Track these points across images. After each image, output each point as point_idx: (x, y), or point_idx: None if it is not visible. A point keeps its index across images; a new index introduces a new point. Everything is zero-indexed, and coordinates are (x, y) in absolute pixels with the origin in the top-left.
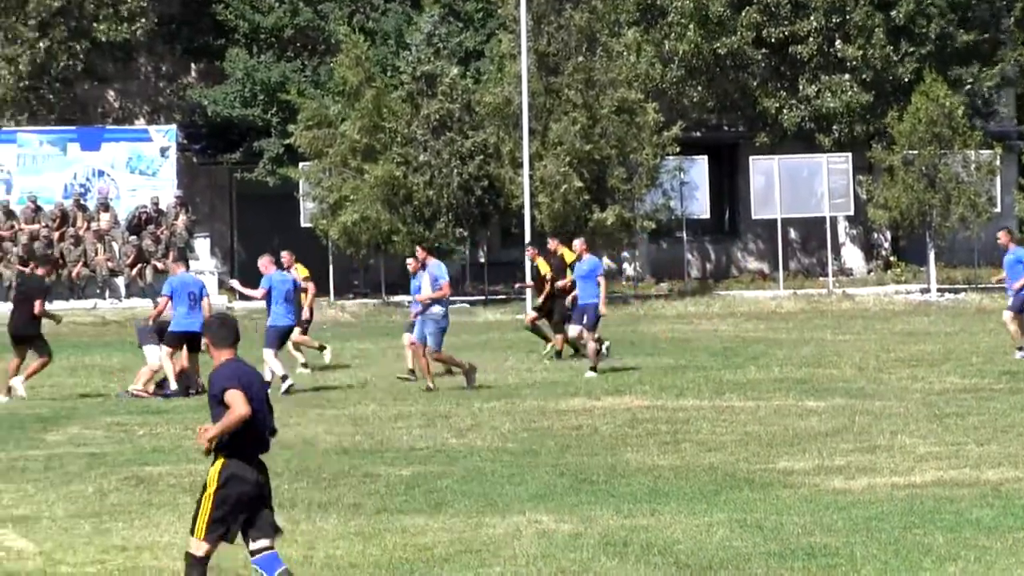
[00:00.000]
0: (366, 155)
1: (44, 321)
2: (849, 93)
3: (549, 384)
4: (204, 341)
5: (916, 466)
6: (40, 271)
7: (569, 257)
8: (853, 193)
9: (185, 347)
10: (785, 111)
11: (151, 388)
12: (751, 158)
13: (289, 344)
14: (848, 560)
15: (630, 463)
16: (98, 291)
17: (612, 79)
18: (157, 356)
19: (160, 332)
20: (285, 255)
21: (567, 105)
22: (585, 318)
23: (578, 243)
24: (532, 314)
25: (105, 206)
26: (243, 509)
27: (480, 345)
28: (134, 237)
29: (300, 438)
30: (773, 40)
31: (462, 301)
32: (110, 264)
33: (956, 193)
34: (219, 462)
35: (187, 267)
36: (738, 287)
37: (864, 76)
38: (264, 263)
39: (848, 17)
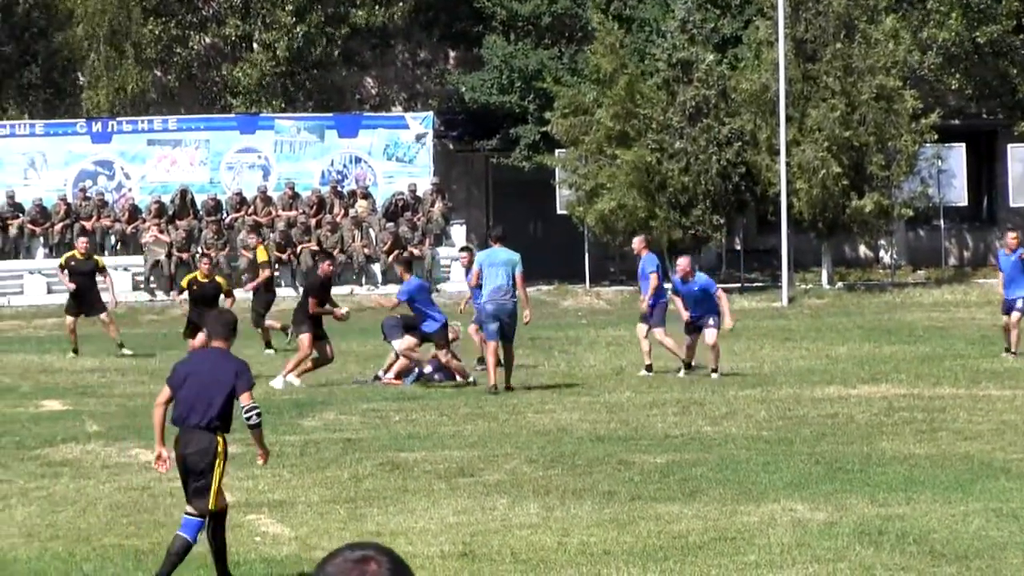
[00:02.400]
0: (620, 142)
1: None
2: None
3: (804, 372)
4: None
5: None
6: (321, 267)
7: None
8: None
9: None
10: None
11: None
12: (1009, 146)
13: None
14: None
15: (885, 452)
16: (354, 277)
17: (870, 66)
18: (404, 346)
19: (406, 327)
20: (253, 238)
21: (825, 92)
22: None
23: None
24: None
25: (363, 193)
26: None
27: (735, 332)
28: (391, 224)
29: (555, 425)
30: None
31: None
32: (366, 251)
33: None
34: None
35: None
36: (996, 275)
37: None
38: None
39: None
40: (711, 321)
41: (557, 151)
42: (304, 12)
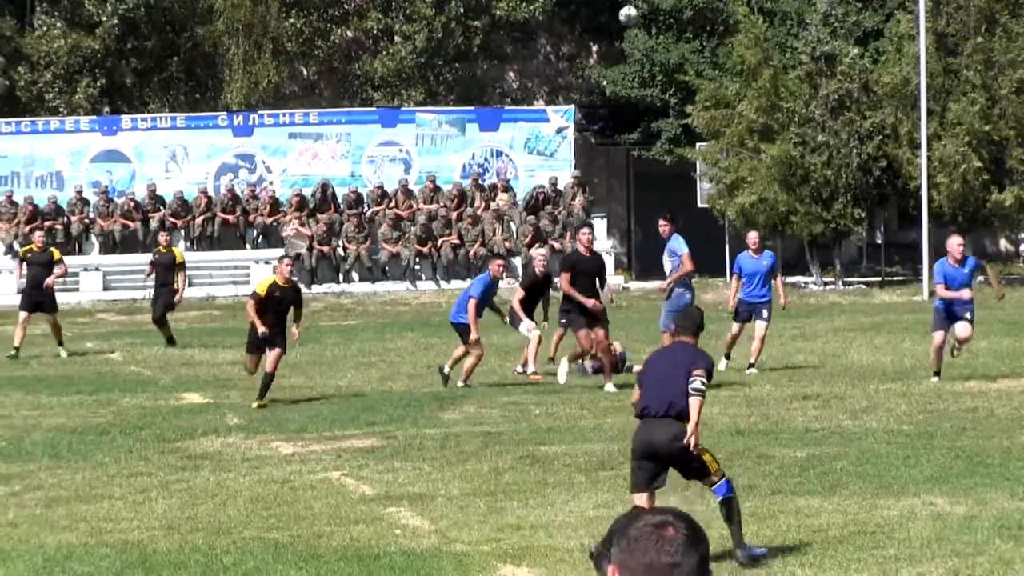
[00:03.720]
0: (763, 135)
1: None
2: None
3: (945, 366)
4: None
5: None
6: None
7: None
8: None
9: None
10: None
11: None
12: None
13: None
14: None
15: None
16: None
17: (1011, 59)
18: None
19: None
20: (162, 236)
21: (966, 86)
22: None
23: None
24: None
25: (504, 186)
26: None
27: (875, 326)
28: (532, 217)
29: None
30: None
31: (859, 282)
32: (507, 244)
33: None
34: None
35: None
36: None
37: None
38: None
39: None
40: (764, 313)
41: (698, 144)
42: (443, 3)
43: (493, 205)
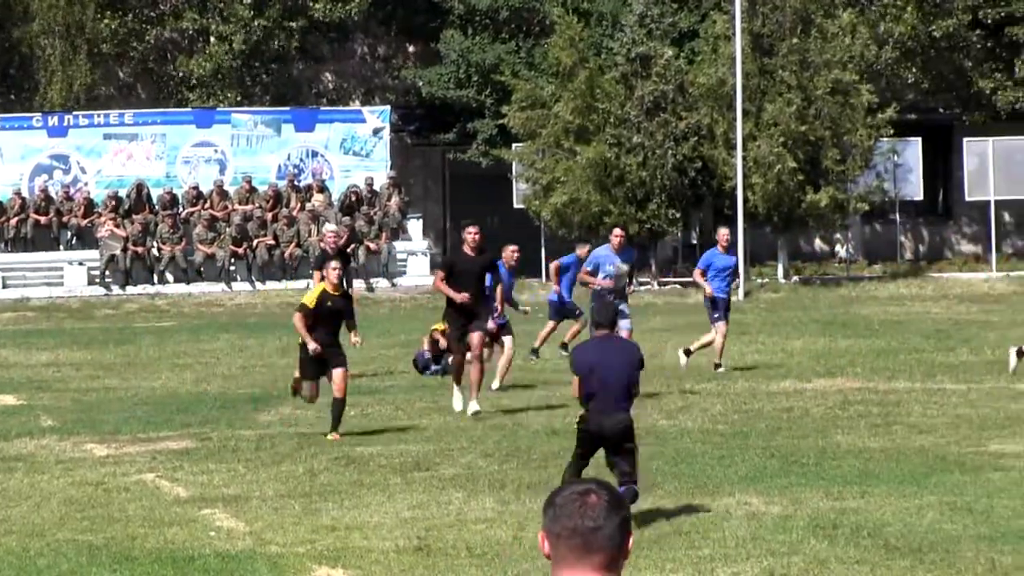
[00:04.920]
0: (579, 136)
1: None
2: None
3: (760, 366)
4: None
5: None
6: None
7: None
8: None
9: None
10: (1000, 92)
11: None
12: (965, 140)
13: None
14: None
15: (840, 445)
16: (310, 272)
17: (826, 60)
18: None
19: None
20: None
21: (781, 86)
22: None
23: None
24: None
25: (319, 187)
26: None
27: (691, 326)
28: (347, 218)
29: (511, 419)
30: (989, 22)
31: (674, 282)
32: (322, 245)
33: None
34: None
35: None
36: (951, 269)
37: None
38: None
39: None
40: (727, 313)
41: (514, 145)
42: (262, 6)
43: (308, 206)
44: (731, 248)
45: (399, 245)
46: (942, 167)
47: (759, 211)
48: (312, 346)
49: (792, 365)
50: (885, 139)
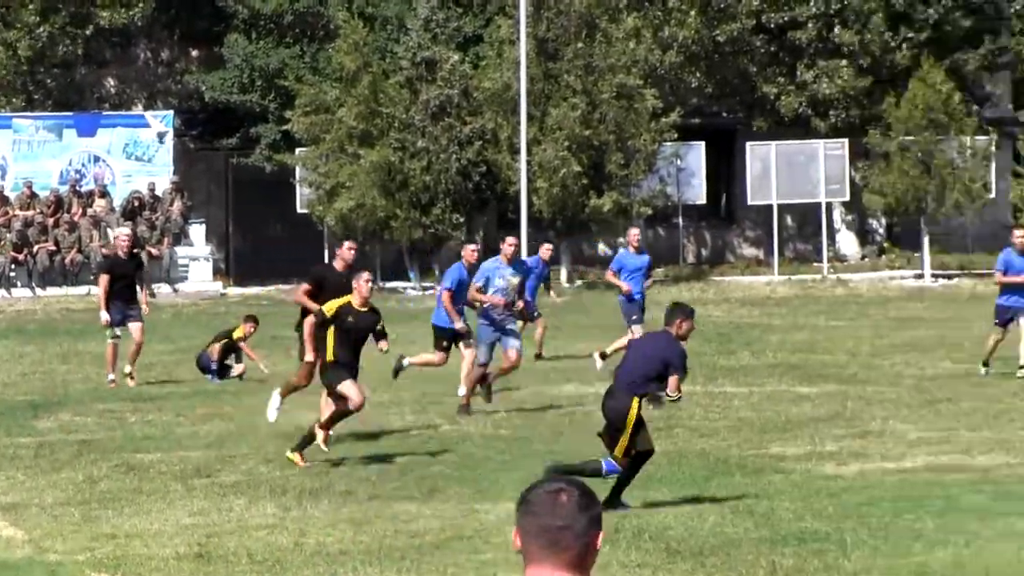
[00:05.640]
0: (363, 141)
1: None
2: (846, 79)
3: (544, 370)
4: None
5: (907, 451)
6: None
7: None
8: (849, 179)
9: None
10: (783, 97)
11: None
12: (748, 144)
13: None
14: (838, 545)
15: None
16: (92, 277)
17: (611, 65)
18: None
19: None
20: None
21: (566, 91)
22: None
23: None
24: None
25: (101, 192)
26: None
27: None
28: (129, 223)
29: (292, 425)
30: (773, 26)
31: None
32: (105, 250)
33: (951, 179)
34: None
35: None
36: (733, 273)
37: (861, 62)
38: None
39: (847, 3)
40: (642, 315)
41: (298, 150)
42: (48, 12)
43: (90, 211)
44: (642, 248)
45: (181, 250)
46: (725, 171)
47: (543, 215)
48: (311, 357)
49: (575, 369)
50: (669, 143)
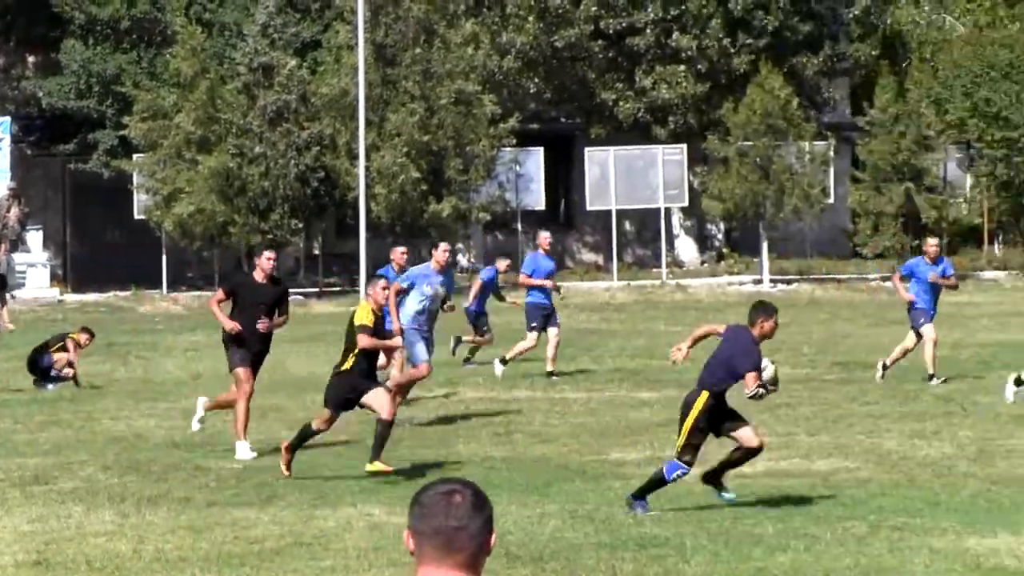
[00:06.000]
0: (201, 146)
1: None
2: (685, 84)
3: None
4: None
5: None
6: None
7: None
8: (687, 184)
9: None
10: (621, 103)
11: None
12: (587, 149)
13: None
14: (678, 550)
15: (462, 454)
16: None
17: (449, 70)
18: None
19: None
20: None
21: (404, 96)
22: None
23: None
24: None
25: None
26: None
27: (313, 337)
28: None
29: (131, 431)
30: (611, 32)
31: (296, 293)
32: None
33: (789, 184)
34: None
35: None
36: (573, 278)
37: (700, 68)
38: None
39: (685, 9)
40: (557, 318)
41: (135, 156)
42: None
43: None
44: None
45: (19, 257)
46: (564, 177)
47: (382, 221)
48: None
49: (444, 378)
50: (507, 149)
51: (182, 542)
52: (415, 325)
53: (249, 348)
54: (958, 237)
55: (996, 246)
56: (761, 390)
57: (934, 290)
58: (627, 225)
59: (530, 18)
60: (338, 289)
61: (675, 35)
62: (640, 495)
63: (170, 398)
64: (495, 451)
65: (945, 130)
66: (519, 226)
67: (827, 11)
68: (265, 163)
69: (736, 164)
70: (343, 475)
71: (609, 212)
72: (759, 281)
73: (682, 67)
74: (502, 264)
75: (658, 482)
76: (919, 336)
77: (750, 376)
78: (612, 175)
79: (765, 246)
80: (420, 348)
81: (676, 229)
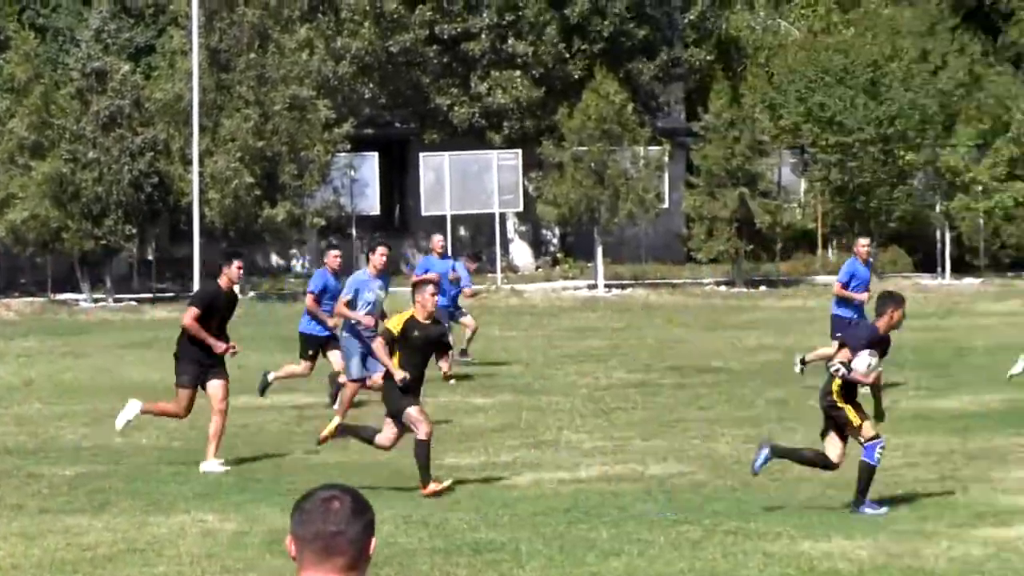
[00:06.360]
0: (34, 152)
1: None
2: (520, 90)
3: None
4: None
5: (582, 461)
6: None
7: None
8: (523, 190)
9: None
10: (456, 108)
11: None
12: (422, 155)
13: None
14: (513, 555)
15: (297, 461)
16: None
17: (284, 76)
18: None
19: None
20: None
21: (239, 101)
22: None
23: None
24: None
25: None
26: None
27: (147, 342)
28: None
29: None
30: (446, 37)
31: (130, 298)
32: None
33: (624, 189)
34: None
35: None
36: (407, 284)
37: (535, 73)
38: None
39: (521, 15)
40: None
41: None
42: None
43: None
44: (445, 254)
45: None
46: (399, 182)
47: (216, 226)
48: (399, 375)
49: (249, 381)
50: (342, 154)
51: (14, 549)
52: (353, 334)
53: (202, 362)
54: (791, 242)
55: (830, 251)
56: (842, 369)
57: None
58: (462, 230)
59: (365, 23)
60: (172, 295)
61: (511, 40)
62: (862, 497)
63: (3, 404)
64: (330, 457)
65: (779, 135)
66: (354, 231)
67: (663, 16)
68: (99, 168)
69: (571, 169)
70: (176, 481)
71: (444, 217)
72: (594, 286)
73: (518, 72)
74: (467, 262)
75: (869, 472)
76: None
77: (845, 351)
78: (447, 180)
79: (600, 251)
80: (355, 363)
81: (511, 234)
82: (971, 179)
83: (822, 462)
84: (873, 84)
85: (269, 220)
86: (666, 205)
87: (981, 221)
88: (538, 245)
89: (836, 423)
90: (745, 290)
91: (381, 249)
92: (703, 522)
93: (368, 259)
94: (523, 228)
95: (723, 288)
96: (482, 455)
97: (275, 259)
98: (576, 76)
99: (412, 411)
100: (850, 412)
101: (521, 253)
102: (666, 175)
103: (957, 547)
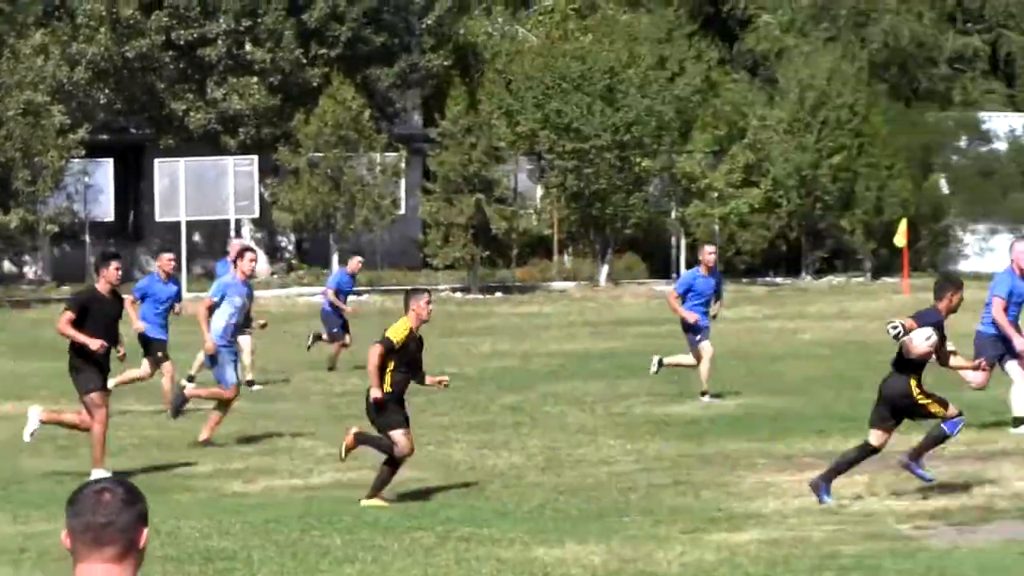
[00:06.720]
0: None
1: None
2: (257, 96)
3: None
4: None
5: (315, 468)
6: None
7: None
8: (258, 196)
9: None
10: (192, 113)
11: None
12: (156, 160)
13: None
14: (245, 563)
15: (28, 469)
16: None
17: (18, 81)
18: None
19: None
20: None
21: None
22: None
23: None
24: None
25: None
26: None
27: None
28: None
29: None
30: (182, 43)
31: None
32: None
33: (360, 195)
34: None
35: None
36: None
37: (272, 79)
38: None
39: (259, 21)
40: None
41: None
42: None
43: None
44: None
45: None
46: (134, 187)
47: None
48: (376, 393)
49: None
50: (76, 160)
51: None
52: (225, 342)
53: (100, 368)
54: (528, 248)
55: (565, 257)
56: (900, 328)
57: (706, 303)
58: (197, 236)
59: (101, 28)
60: None
61: (248, 47)
62: (918, 455)
63: None
64: (61, 465)
65: (516, 141)
66: (87, 238)
67: (400, 22)
68: None
69: (307, 175)
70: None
71: (179, 223)
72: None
73: (255, 79)
74: (354, 263)
75: (940, 440)
76: (699, 357)
77: (910, 320)
78: (182, 186)
79: (336, 257)
80: (230, 371)
81: (247, 240)
82: (707, 185)
83: (866, 453)
84: (610, 91)
85: (2, 227)
86: (403, 211)
87: (716, 227)
88: (273, 251)
89: (905, 416)
90: (481, 296)
91: (250, 254)
92: (436, 528)
93: (236, 265)
94: (259, 234)
95: (459, 295)
96: (214, 462)
97: (8, 266)
98: (314, 83)
99: (397, 434)
100: (933, 406)
101: (258, 259)
102: (403, 181)
103: (690, 552)
